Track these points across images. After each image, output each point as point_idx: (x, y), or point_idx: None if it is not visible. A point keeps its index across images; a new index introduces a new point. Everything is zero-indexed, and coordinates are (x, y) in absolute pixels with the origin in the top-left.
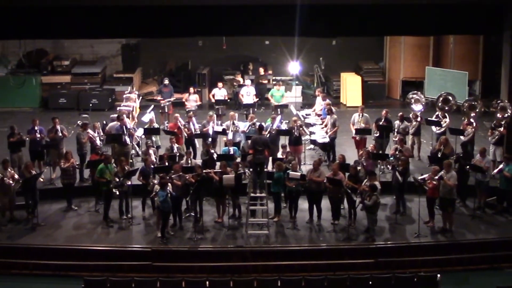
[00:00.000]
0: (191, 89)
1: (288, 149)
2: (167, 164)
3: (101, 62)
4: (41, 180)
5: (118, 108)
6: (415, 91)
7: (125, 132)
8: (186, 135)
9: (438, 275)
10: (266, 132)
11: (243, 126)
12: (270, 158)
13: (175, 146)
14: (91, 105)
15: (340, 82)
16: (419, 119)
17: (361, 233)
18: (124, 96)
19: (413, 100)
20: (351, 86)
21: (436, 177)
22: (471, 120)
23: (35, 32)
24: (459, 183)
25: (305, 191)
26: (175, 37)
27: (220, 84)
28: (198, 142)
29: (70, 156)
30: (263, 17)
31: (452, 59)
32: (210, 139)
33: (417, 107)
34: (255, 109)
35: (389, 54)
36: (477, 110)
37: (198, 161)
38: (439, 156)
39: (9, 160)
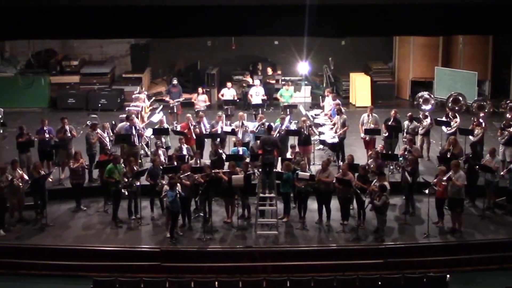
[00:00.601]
0: (200, 89)
1: (297, 149)
2: (175, 164)
3: (110, 62)
4: (50, 180)
5: (127, 109)
6: (424, 92)
7: (134, 133)
8: (194, 135)
9: (448, 276)
10: (275, 132)
11: (252, 126)
12: (279, 159)
13: (184, 146)
14: (100, 105)
15: (349, 82)
16: (429, 119)
17: (370, 233)
18: (133, 96)
19: (421, 100)
20: (360, 86)
21: (444, 179)
22: (480, 120)
23: (44, 32)
24: (469, 183)
25: (314, 191)
26: (184, 37)
27: (229, 84)
28: (206, 143)
29: (80, 157)
30: (272, 17)
31: (461, 59)
32: (218, 139)
33: (427, 107)
34: (264, 109)
35: (398, 54)
36: (486, 111)
37: (206, 161)
38: (448, 156)
39: (18, 161)
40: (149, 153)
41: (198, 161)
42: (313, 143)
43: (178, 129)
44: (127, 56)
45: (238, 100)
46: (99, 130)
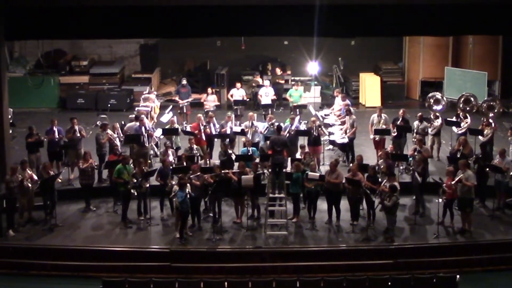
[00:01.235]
0: (209, 90)
1: (306, 150)
2: (185, 164)
3: (120, 62)
4: (59, 180)
5: (136, 109)
6: (435, 92)
7: (144, 133)
8: (204, 136)
9: (457, 276)
10: (285, 133)
11: (262, 126)
12: (289, 159)
13: (194, 146)
14: (109, 105)
15: (359, 83)
16: (440, 120)
17: (380, 233)
18: (143, 96)
19: (432, 101)
20: (370, 87)
21: (454, 182)
22: (490, 120)
23: (53, 32)
24: (478, 183)
25: (324, 191)
26: (194, 37)
27: (238, 85)
28: (216, 143)
29: (89, 157)
30: (281, 17)
31: (471, 60)
32: (228, 140)
33: (438, 107)
34: (274, 110)
35: (408, 54)
36: (496, 111)
37: (216, 161)
38: (458, 156)
39: (27, 161)
40: (158, 153)
41: (208, 162)
42: (323, 144)
43: (188, 129)
44: (137, 56)
45: (248, 100)
46: (109, 131)
